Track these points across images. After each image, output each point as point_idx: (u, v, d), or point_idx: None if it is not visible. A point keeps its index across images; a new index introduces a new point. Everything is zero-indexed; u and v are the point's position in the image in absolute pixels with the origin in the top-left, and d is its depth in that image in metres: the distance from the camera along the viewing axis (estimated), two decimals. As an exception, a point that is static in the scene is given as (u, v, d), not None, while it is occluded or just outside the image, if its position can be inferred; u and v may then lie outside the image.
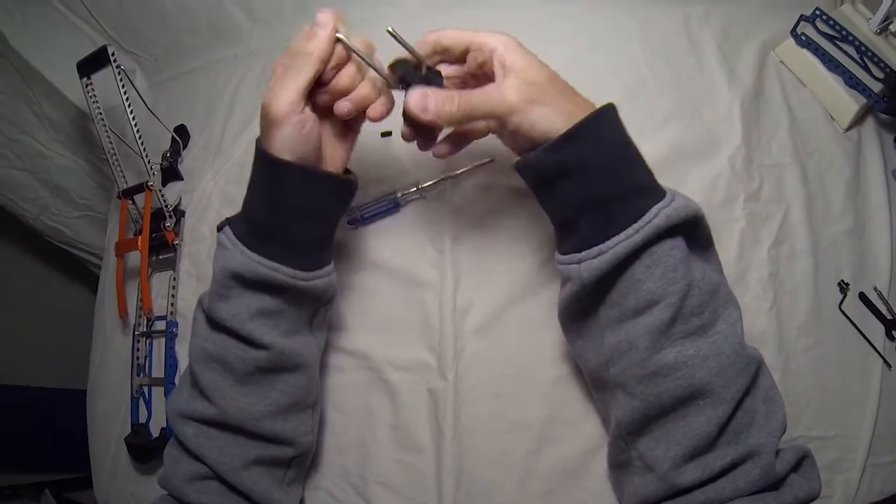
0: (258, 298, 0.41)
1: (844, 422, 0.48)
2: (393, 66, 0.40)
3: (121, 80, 0.59)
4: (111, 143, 0.63)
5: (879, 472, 0.47)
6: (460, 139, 0.46)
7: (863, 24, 0.56)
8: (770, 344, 0.49)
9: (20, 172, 0.77)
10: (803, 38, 0.57)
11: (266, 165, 0.40)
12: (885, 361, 0.50)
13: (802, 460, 0.36)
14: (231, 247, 0.41)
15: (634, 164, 0.38)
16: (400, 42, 0.40)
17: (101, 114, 0.62)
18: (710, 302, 0.36)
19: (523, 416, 0.48)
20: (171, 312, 0.63)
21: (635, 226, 0.35)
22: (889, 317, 0.51)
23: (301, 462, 0.48)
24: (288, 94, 0.38)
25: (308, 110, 0.39)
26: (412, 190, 0.55)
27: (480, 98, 0.38)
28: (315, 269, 0.43)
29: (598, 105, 0.38)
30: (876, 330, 0.51)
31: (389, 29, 0.38)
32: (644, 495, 0.38)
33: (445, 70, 0.42)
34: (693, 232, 0.38)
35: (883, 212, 0.54)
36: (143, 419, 0.62)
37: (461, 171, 0.55)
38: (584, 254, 0.37)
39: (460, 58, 0.41)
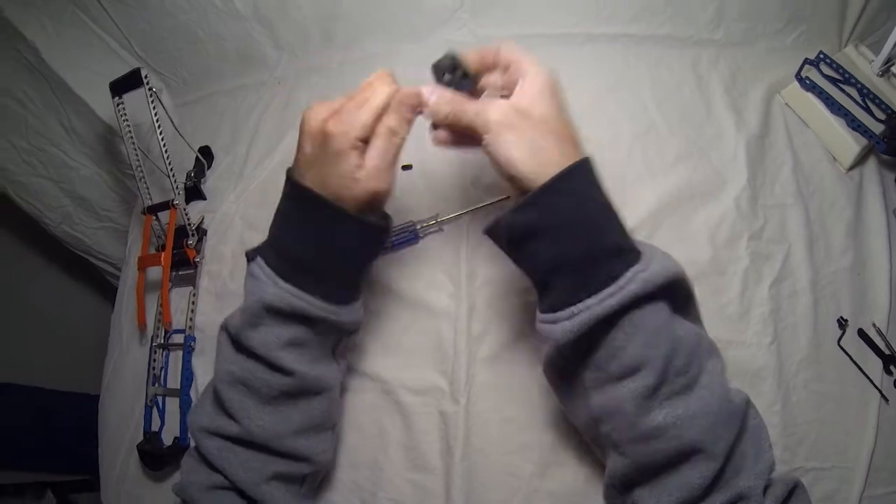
0: (288, 329, 0.42)
1: (842, 454, 0.49)
2: (437, 63, 0.43)
3: (152, 101, 0.62)
4: (139, 159, 0.66)
5: (878, 502, 0.48)
6: (462, 138, 0.44)
7: (865, 67, 0.59)
8: (770, 378, 0.51)
9: (45, 181, 0.79)
10: (807, 81, 0.59)
11: (315, 207, 0.41)
12: (883, 396, 0.51)
13: (793, 491, 0.36)
14: (265, 279, 0.42)
15: (608, 223, 0.37)
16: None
17: (130, 132, 0.65)
18: (693, 359, 0.37)
19: (530, 439, 0.50)
20: (190, 327, 0.65)
21: (609, 290, 0.35)
22: (887, 352, 0.52)
23: (315, 477, 0.49)
24: (392, 174, 0.41)
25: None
26: (431, 223, 0.58)
27: (470, 108, 0.40)
28: (346, 302, 0.44)
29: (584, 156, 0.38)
30: (874, 365, 0.52)
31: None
32: None
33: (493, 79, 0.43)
34: (675, 292, 0.37)
35: (883, 250, 0.56)
36: (155, 427, 0.64)
37: (479, 206, 0.58)
38: (558, 314, 0.37)
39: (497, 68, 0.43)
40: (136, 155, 0.66)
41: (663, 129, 0.60)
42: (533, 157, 0.37)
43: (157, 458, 0.61)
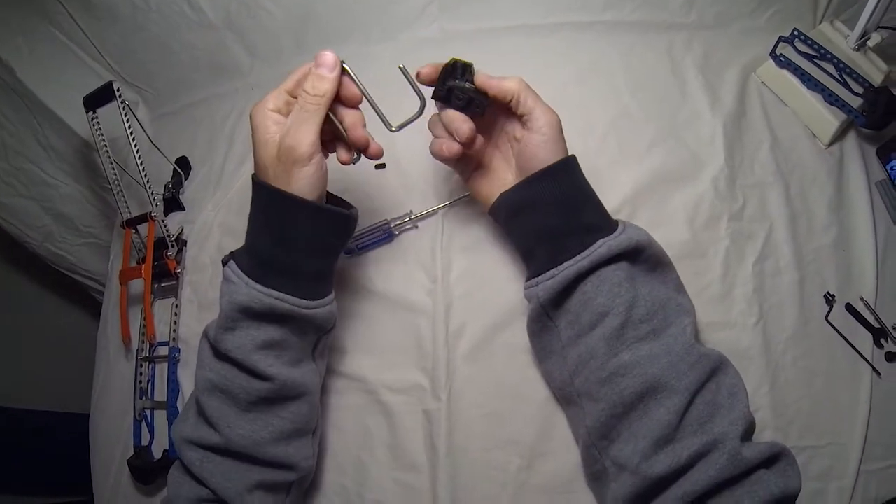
0: (263, 330, 0.42)
1: (836, 430, 0.49)
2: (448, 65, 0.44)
3: (125, 114, 0.61)
4: (115, 173, 0.65)
5: (873, 478, 0.48)
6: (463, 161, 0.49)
7: (841, 42, 0.58)
8: (757, 358, 0.50)
9: (26, 200, 0.79)
10: (783, 59, 0.59)
11: (275, 201, 0.41)
12: (874, 369, 0.50)
13: (778, 457, 0.37)
14: (237, 280, 0.42)
15: (586, 205, 0.44)
16: (408, 79, 0.44)
17: (105, 146, 0.64)
18: (658, 312, 0.41)
19: (514, 433, 0.49)
20: (174, 339, 0.65)
21: (583, 254, 0.42)
22: (877, 325, 0.52)
23: (301, 485, 0.49)
24: (309, 135, 0.40)
25: (320, 149, 0.41)
26: (405, 220, 0.57)
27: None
28: (318, 298, 0.45)
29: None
30: (864, 339, 0.52)
31: (400, 66, 0.44)
32: (622, 496, 0.39)
33: None
34: (637, 257, 0.43)
35: (867, 223, 0.55)
36: (145, 441, 0.63)
37: (452, 201, 0.57)
38: (540, 277, 0.44)
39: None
40: (113, 169, 0.65)
41: (638, 114, 0.60)
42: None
43: (147, 472, 0.61)
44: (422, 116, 0.46)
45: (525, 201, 0.45)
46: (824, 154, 0.58)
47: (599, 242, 0.42)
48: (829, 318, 0.52)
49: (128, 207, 0.67)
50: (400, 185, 0.60)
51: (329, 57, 0.41)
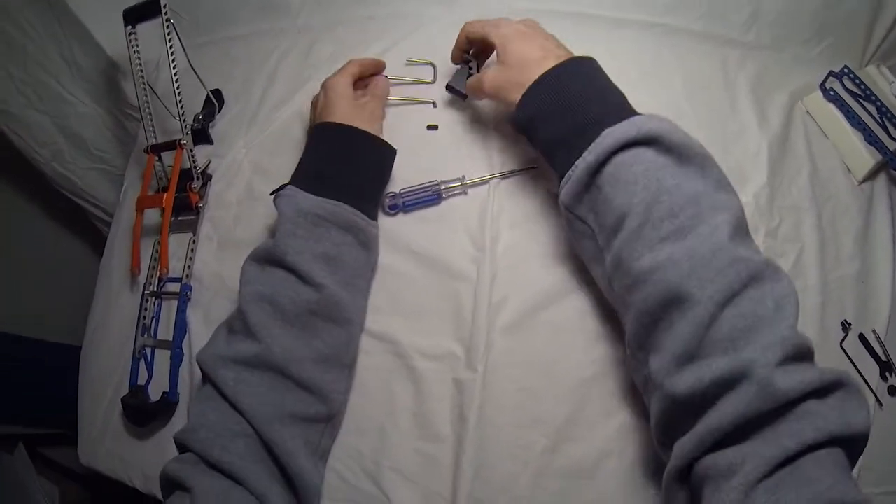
0: (323, 241, 0.46)
1: (839, 451, 0.51)
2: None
3: (168, 33, 0.58)
4: (146, 95, 0.62)
5: (868, 501, 0.50)
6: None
7: (885, 87, 0.61)
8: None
9: (39, 115, 0.74)
10: (831, 92, 0.61)
11: (345, 134, 0.51)
12: (878, 400, 0.53)
13: (833, 388, 0.31)
14: (298, 194, 0.47)
15: (592, 101, 0.43)
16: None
17: (140, 64, 0.61)
18: (686, 208, 0.37)
19: (545, 413, 0.49)
20: (187, 276, 0.62)
21: (589, 149, 0.41)
22: (884, 359, 0.55)
23: (332, 431, 0.48)
24: (382, 109, 0.59)
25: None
26: (456, 184, 0.56)
27: (474, 84, 0.54)
28: (370, 217, 0.50)
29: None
30: (871, 369, 0.54)
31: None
32: (656, 413, 0.37)
33: None
34: (659, 146, 0.39)
35: (888, 262, 0.58)
36: (142, 381, 0.61)
37: (506, 172, 0.57)
38: (562, 182, 0.44)
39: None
40: (145, 90, 0.62)
41: (691, 118, 0.60)
42: (520, 90, 0.46)
43: (143, 412, 0.58)
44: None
45: (529, 116, 0.46)
46: (856, 190, 0.61)
47: (605, 133, 0.40)
48: (843, 345, 0.55)
49: (154, 133, 0.64)
50: (452, 150, 0.59)
51: (386, 83, 0.60)
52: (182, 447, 0.43)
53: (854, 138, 0.61)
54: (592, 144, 0.40)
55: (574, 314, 0.52)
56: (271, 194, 0.49)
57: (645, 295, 0.37)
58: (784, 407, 0.31)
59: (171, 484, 0.41)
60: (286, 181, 0.59)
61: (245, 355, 0.43)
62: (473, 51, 0.58)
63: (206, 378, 0.44)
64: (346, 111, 0.52)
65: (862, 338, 0.55)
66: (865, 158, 0.60)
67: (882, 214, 0.60)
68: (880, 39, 0.63)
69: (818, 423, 0.30)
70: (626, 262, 0.39)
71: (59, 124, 0.75)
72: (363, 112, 0.53)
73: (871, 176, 0.61)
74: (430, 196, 0.56)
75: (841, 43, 0.65)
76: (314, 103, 0.57)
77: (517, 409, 0.49)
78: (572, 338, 0.51)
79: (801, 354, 0.33)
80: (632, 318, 0.39)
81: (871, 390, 0.54)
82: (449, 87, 0.60)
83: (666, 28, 0.66)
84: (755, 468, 0.30)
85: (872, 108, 0.61)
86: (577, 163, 0.42)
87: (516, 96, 0.46)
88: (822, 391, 0.31)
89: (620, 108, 0.43)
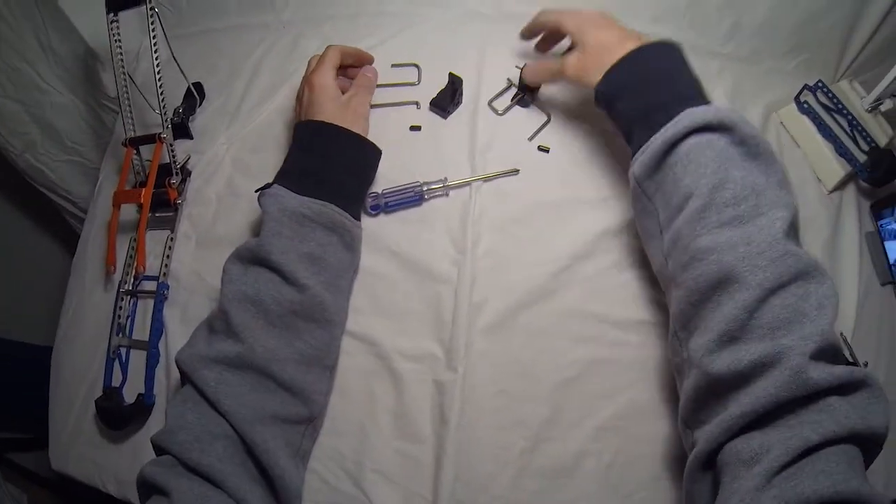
0: (307, 242, 0.46)
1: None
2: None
3: (152, 22, 0.57)
4: (126, 86, 0.60)
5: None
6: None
7: (857, 101, 0.63)
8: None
9: (13, 103, 0.71)
10: (805, 105, 0.63)
11: (328, 132, 0.51)
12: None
13: (858, 386, 0.33)
14: (284, 194, 0.47)
15: (676, 81, 0.46)
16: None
17: (121, 54, 0.59)
18: (748, 198, 0.39)
19: (523, 414, 0.50)
20: (164, 274, 0.61)
21: (668, 125, 0.43)
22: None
23: (313, 433, 0.48)
24: (367, 105, 0.57)
25: None
26: (438, 186, 0.56)
27: (552, 68, 0.54)
28: (354, 217, 0.51)
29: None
30: (839, 372, 0.57)
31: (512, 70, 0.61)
32: (689, 391, 0.39)
33: None
34: (731, 135, 0.41)
35: (853, 269, 0.60)
36: (116, 382, 0.59)
37: (488, 176, 0.57)
38: (636, 155, 0.46)
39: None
40: (124, 80, 0.60)
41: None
42: (601, 73, 0.48)
43: (117, 415, 0.56)
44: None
45: (611, 92, 0.47)
46: (825, 199, 0.63)
47: (684, 113, 0.42)
48: (812, 348, 0.57)
49: (133, 126, 0.62)
50: (434, 151, 0.59)
51: (374, 71, 0.60)
52: (160, 450, 0.42)
53: (825, 149, 0.63)
54: (671, 121, 0.42)
55: (553, 317, 0.52)
56: (256, 192, 0.48)
57: (698, 273, 0.39)
58: (811, 397, 0.33)
59: (148, 488, 0.41)
60: (268, 178, 0.58)
61: (227, 355, 0.43)
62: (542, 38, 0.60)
63: (186, 378, 0.43)
64: (331, 110, 0.52)
65: (829, 342, 0.58)
66: (835, 169, 0.62)
67: (850, 223, 0.62)
68: (853, 56, 0.66)
69: (840, 418, 0.32)
70: (684, 240, 0.41)
71: (32, 114, 0.73)
72: (347, 110, 0.53)
73: (841, 186, 0.63)
74: (412, 197, 0.56)
75: (816, 58, 0.67)
76: (299, 97, 0.57)
77: (497, 411, 0.50)
78: (551, 340, 0.52)
79: (834, 352, 0.35)
80: (681, 296, 0.41)
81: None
82: (432, 105, 0.61)
83: (651, 37, 0.67)
84: (777, 457, 0.32)
85: (844, 122, 0.63)
86: (654, 136, 0.43)
87: (595, 78, 0.48)
88: (849, 387, 0.33)
89: (699, 92, 0.45)
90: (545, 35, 0.59)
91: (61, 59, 0.69)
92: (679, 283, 0.41)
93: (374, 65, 0.61)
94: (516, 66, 0.59)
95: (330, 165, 0.50)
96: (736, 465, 0.33)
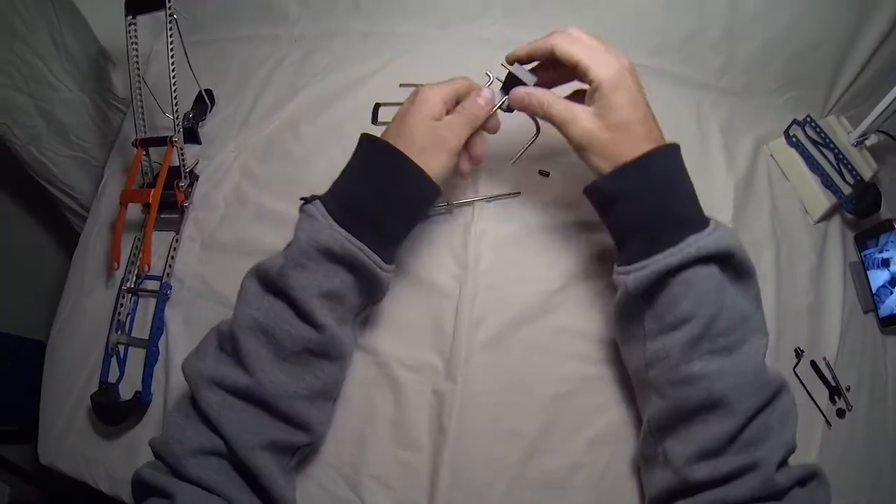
0: (331, 278, 0.43)
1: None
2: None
3: (170, 26, 0.58)
4: (139, 87, 0.61)
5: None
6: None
7: (843, 136, 0.66)
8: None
9: (22, 96, 0.71)
10: (794, 139, 0.66)
11: (393, 161, 0.44)
12: (827, 421, 0.57)
13: (811, 479, 0.40)
14: (321, 219, 0.43)
15: (681, 198, 0.44)
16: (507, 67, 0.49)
17: (136, 55, 0.60)
18: (738, 327, 0.41)
19: (519, 426, 0.51)
20: (168, 274, 0.61)
21: (672, 250, 0.41)
22: (833, 384, 0.59)
23: (305, 451, 0.48)
24: (462, 138, 0.46)
25: None
26: (442, 204, 0.58)
27: (559, 114, 0.46)
28: (389, 261, 0.46)
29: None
30: (821, 394, 0.59)
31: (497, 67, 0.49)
32: (661, 487, 0.43)
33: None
34: (727, 262, 0.42)
35: (838, 297, 0.63)
36: (113, 379, 0.59)
37: (490, 196, 0.59)
38: (630, 266, 0.44)
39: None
40: (138, 82, 0.61)
41: (666, 157, 0.65)
42: (611, 164, 0.44)
43: (113, 411, 0.57)
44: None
45: (616, 194, 0.44)
46: (811, 229, 0.66)
47: (691, 240, 0.41)
48: (796, 370, 0.59)
49: (144, 126, 0.63)
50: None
51: (488, 94, 0.48)
52: (157, 455, 0.42)
53: (812, 181, 0.66)
54: (677, 248, 0.41)
55: (548, 334, 0.54)
56: (300, 200, 0.46)
57: (688, 394, 0.41)
58: (773, 496, 0.39)
59: (147, 489, 0.41)
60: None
61: (233, 384, 0.42)
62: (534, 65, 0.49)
63: (193, 391, 0.43)
64: (417, 127, 0.44)
65: (813, 364, 0.60)
66: (822, 201, 0.65)
67: (834, 252, 0.65)
68: (841, 93, 0.69)
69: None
70: (674, 360, 0.42)
71: (41, 108, 0.73)
72: (434, 135, 0.45)
73: (827, 217, 0.66)
74: (417, 213, 0.57)
75: (805, 94, 0.70)
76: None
77: (493, 422, 0.51)
78: (546, 356, 0.53)
79: (792, 452, 0.41)
80: (664, 407, 0.43)
81: (822, 412, 0.58)
82: None
83: (647, 69, 0.69)
84: None
85: (830, 155, 0.66)
86: (656, 257, 0.42)
87: (603, 164, 0.44)
88: (806, 479, 0.40)
89: (699, 211, 0.44)
90: (560, 70, 0.47)
91: (73, 56, 0.70)
92: (663, 395, 0.43)
93: (381, 86, 0.55)
94: (502, 65, 0.49)
95: (382, 200, 0.44)
96: None
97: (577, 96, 0.48)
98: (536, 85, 0.48)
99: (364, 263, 0.43)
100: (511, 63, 0.48)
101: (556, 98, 0.46)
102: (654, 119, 0.45)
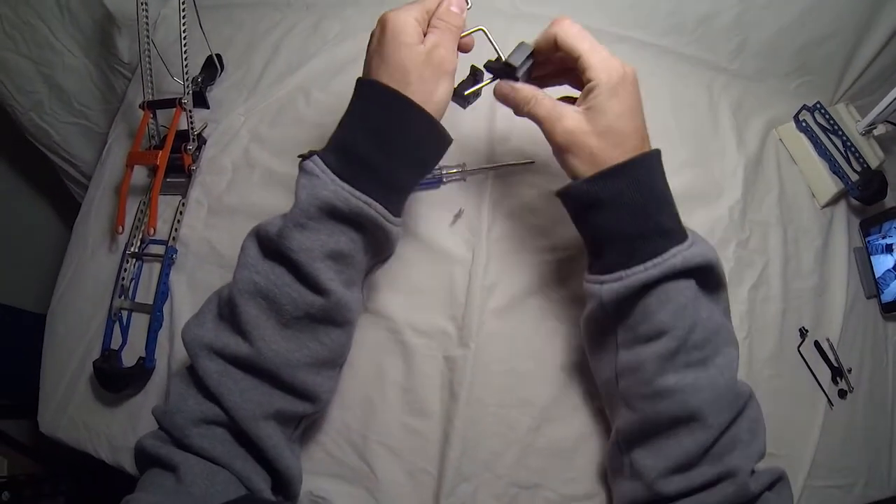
0: (336, 237, 0.40)
1: (792, 444, 0.55)
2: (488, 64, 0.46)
3: (183, -11, 0.57)
4: (148, 48, 0.60)
5: (816, 493, 0.55)
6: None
7: (851, 124, 0.67)
8: (742, 368, 0.55)
9: (24, 60, 0.70)
10: (803, 124, 0.67)
11: (391, 104, 0.40)
12: (829, 400, 0.58)
13: (777, 482, 0.40)
14: (321, 175, 0.39)
15: (663, 208, 0.41)
16: (490, 41, 0.46)
17: (146, 18, 0.59)
18: (712, 339, 0.40)
19: (530, 394, 0.51)
20: (173, 238, 0.60)
21: (654, 261, 0.39)
22: (836, 365, 0.60)
23: (310, 419, 0.47)
24: (454, 53, 0.42)
25: None
26: (456, 170, 0.58)
27: (544, 113, 0.43)
28: (397, 215, 0.43)
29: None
30: (824, 373, 0.59)
31: (483, 29, 0.46)
32: (631, 498, 0.42)
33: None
34: (707, 276, 0.41)
35: (842, 281, 0.63)
36: (115, 345, 0.58)
37: (504, 164, 0.59)
38: (606, 276, 0.41)
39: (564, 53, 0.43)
40: (147, 44, 0.60)
41: (676, 134, 0.65)
42: (592, 167, 0.41)
43: (116, 378, 0.56)
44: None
45: (597, 198, 0.41)
46: (818, 213, 0.67)
47: (672, 251, 0.39)
48: (801, 349, 0.59)
49: (152, 89, 0.62)
50: (454, 138, 0.60)
51: (460, 4, 0.44)
52: (160, 425, 0.41)
53: (820, 167, 0.66)
54: (661, 258, 0.39)
55: (559, 303, 0.54)
56: (298, 157, 0.44)
57: (661, 408, 0.40)
58: (752, 500, 0.39)
59: (149, 459, 0.40)
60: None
61: (232, 352, 0.40)
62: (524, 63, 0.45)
63: (192, 360, 0.41)
64: (407, 59, 0.40)
65: (817, 345, 0.60)
66: (829, 186, 0.66)
67: (840, 237, 0.66)
68: (851, 82, 0.70)
69: None
70: (647, 373, 0.40)
71: (43, 73, 0.72)
72: (429, 62, 0.40)
73: (833, 202, 0.67)
74: (430, 180, 0.57)
75: (816, 81, 0.71)
76: (369, 44, 0.44)
77: (504, 389, 0.51)
78: (557, 325, 0.53)
79: (761, 460, 0.42)
80: (634, 420, 0.42)
81: (824, 392, 0.58)
82: (453, 95, 0.53)
83: (661, 49, 0.70)
84: None
85: (838, 142, 0.66)
86: (635, 269, 0.39)
87: (584, 168, 0.41)
88: (772, 485, 0.40)
89: (679, 220, 0.42)
90: (552, 68, 0.46)
91: (77, 19, 0.68)
92: (634, 407, 0.42)
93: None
94: (489, 62, 0.46)
95: (388, 152, 0.40)
96: None
97: (565, 101, 0.44)
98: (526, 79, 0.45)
99: (371, 218, 0.40)
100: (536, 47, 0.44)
101: (543, 95, 0.43)
102: (646, 131, 0.43)
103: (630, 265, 0.40)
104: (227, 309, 0.41)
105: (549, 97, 0.43)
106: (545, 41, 0.43)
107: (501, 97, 0.45)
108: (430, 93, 0.41)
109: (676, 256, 0.39)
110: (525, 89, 0.44)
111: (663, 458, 0.40)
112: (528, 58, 0.44)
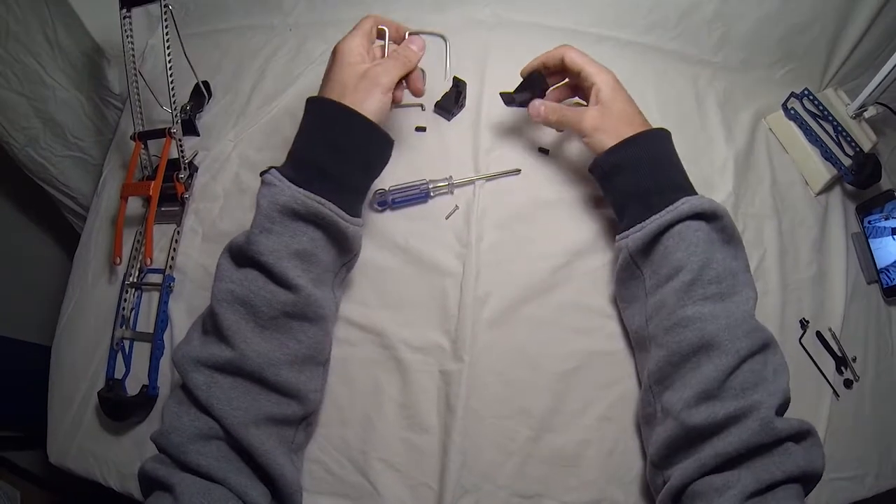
0: (299, 238, 0.44)
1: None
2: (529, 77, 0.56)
3: (165, 18, 0.58)
4: (136, 81, 0.61)
5: (826, 486, 0.54)
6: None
7: (841, 108, 0.66)
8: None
9: (17, 96, 0.71)
10: (792, 111, 0.66)
11: (336, 114, 0.46)
12: (834, 391, 0.57)
13: (806, 435, 0.41)
14: (279, 183, 0.44)
15: (673, 169, 0.50)
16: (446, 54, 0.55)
17: (132, 48, 0.60)
18: (727, 278, 0.45)
19: (527, 404, 0.51)
20: (170, 266, 0.61)
21: (668, 209, 0.47)
22: (839, 355, 0.59)
23: (307, 427, 0.48)
24: (393, 76, 0.49)
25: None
26: (444, 184, 0.58)
27: (570, 116, 0.54)
28: (354, 214, 0.47)
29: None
30: (828, 364, 0.59)
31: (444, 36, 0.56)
32: (663, 438, 0.44)
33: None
34: (714, 222, 0.47)
35: (841, 268, 0.63)
36: (119, 374, 0.59)
37: (491, 175, 0.59)
38: (630, 230, 0.49)
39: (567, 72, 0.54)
40: (135, 76, 0.61)
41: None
42: (615, 138, 0.50)
43: (120, 406, 0.56)
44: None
45: (619, 163, 0.50)
46: (813, 201, 0.66)
47: (683, 200, 0.47)
48: (802, 341, 0.59)
49: (142, 120, 0.63)
50: (438, 151, 0.61)
51: (420, 42, 0.52)
52: (158, 448, 0.42)
53: (812, 154, 0.66)
54: (672, 206, 0.47)
55: (552, 311, 0.54)
56: (260, 174, 0.47)
57: (682, 337, 0.44)
58: (774, 443, 0.40)
59: (150, 482, 0.41)
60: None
61: (218, 360, 0.42)
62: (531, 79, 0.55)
63: (182, 376, 0.43)
64: (345, 76, 0.47)
65: (819, 335, 0.60)
66: (822, 172, 0.65)
67: (836, 224, 0.65)
68: (838, 66, 0.69)
69: (798, 460, 0.39)
70: (669, 307, 0.46)
71: (36, 108, 0.73)
72: (363, 78, 0.47)
73: (827, 189, 0.66)
74: (418, 194, 0.58)
75: (802, 67, 0.70)
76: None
77: (501, 400, 0.51)
78: (552, 332, 0.53)
79: (786, 406, 0.43)
80: (662, 356, 0.46)
81: (829, 383, 0.58)
82: (437, 108, 0.63)
83: (642, 46, 0.70)
84: (747, 486, 0.38)
85: (829, 128, 0.66)
86: (652, 217, 0.47)
87: (607, 143, 0.50)
88: (800, 436, 0.41)
89: (688, 182, 0.50)
90: (561, 84, 0.56)
91: (67, 54, 0.70)
92: (660, 343, 0.46)
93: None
94: (504, 93, 0.56)
95: (335, 155, 0.46)
96: (709, 493, 0.39)
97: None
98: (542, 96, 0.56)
99: (327, 216, 0.44)
100: (526, 73, 0.56)
101: (564, 106, 0.55)
102: (644, 119, 0.52)
103: (648, 216, 0.48)
104: (209, 321, 0.44)
105: (569, 106, 0.55)
106: (552, 59, 0.54)
107: (536, 114, 0.55)
108: (362, 101, 0.46)
109: (685, 203, 0.46)
110: (552, 105, 0.55)
111: (688, 388, 0.43)
112: (527, 91, 0.56)
